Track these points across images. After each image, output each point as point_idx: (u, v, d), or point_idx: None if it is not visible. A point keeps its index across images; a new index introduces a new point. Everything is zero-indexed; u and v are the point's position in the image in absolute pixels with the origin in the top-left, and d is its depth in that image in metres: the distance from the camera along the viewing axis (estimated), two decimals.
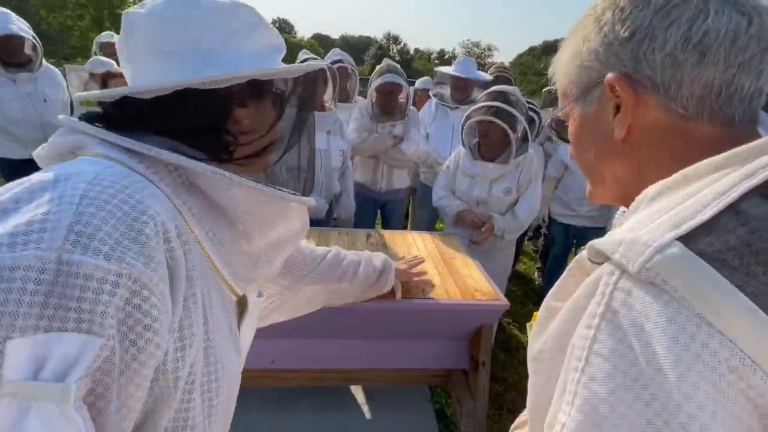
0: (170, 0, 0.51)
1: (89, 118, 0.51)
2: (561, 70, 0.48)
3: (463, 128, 2.05)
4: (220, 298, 0.53)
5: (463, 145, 2.10)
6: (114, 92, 0.49)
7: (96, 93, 0.51)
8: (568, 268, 0.42)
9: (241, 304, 0.61)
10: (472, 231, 2.07)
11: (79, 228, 0.37)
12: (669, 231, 0.31)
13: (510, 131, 1.87)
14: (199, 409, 0.47)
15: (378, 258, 1.14)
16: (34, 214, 0.37)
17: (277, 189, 0.54)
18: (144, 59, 0.51)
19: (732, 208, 0.31)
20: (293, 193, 0.57)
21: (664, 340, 0.29)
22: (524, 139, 1.97)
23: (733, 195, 0.31)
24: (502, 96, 1.92)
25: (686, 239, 0.31)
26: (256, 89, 0.53)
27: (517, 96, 1.96)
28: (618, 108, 0.41)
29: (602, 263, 0.36)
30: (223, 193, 0.50)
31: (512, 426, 0.59)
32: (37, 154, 0.51)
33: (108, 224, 0.38)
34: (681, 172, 0.36)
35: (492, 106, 1.89)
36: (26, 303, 0.34)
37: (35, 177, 0.41)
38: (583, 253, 0.40)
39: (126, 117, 0.51)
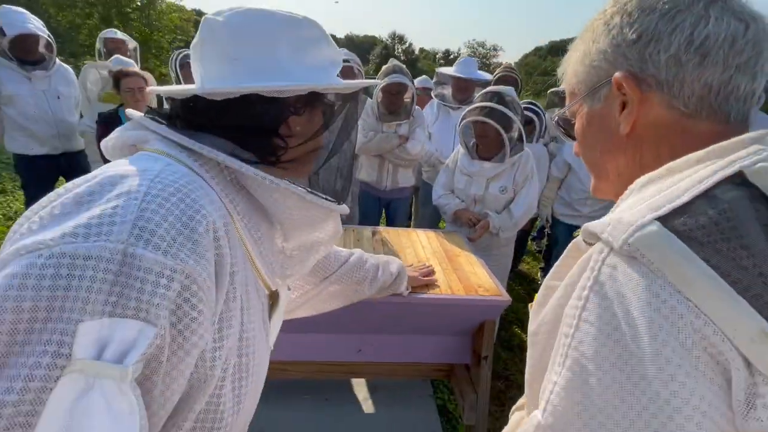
0: (246, 11, 0.55)
1: (154, 114, 0.56)
2: (570, 71, 0.51)
3: (460, 128, 2.09)
4: (255, 291, 0.57)
5: (461, 145, 2.13)
6: (188, 90, 0.54)
7: (171, 88, 0.56)
8: (566, 250, 0.46)
9: (272, 298, 0.65)
10: (468, 229, 2.10)
11: (142, 223, 0.40)
12: (650, 212, 0.35)
13: (503, 131, 1.90)
14: (230, 396, 0.50)
15: (394, 264, 1.20)
16: (104, 208, 0.41)
17: (317, 196, 0.57)
18: (215, 62, 0.55)
19: (706, 194, 0.35)
20: (331, 201, 0.60)
21: (640, 305, 0.33)
22: (519, 138, 2.00)
23: (709, 182, 0.35)
24: (497, 96, 1.95)
25: (664, 219, 0.35)
26: (312, 99, 0.57)
27: (512, 96, 1.98)
28: (624, 105, 0.45)
29: (594, 243, 0.40)
30: (268, 196, 0.54)
31: (513, 407, 0.62)
32: (104, 145, 0.56)
33: (167, 221, 0.42)
34: (666, 165, 0.40)
35: (486, 107, 1.93)
36: (96, 290, 0.37)
37: (107, 171, 0.46)
38: (579, 237, 0.44)
39: (189, 115, 0.55)
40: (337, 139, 0.65)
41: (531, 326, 0.47)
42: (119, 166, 0.47)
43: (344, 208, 0.63)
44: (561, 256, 0.46)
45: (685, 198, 0.35)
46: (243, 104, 0.52)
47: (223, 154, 0.50)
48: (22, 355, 0.36)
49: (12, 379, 0.35)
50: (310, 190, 0.58)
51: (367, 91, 3.24)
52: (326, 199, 0.59)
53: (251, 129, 0.54)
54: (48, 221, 0.41)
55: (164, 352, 0.41)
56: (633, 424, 0.31)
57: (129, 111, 0.57)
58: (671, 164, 0.39)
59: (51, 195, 0.45)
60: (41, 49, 2.57)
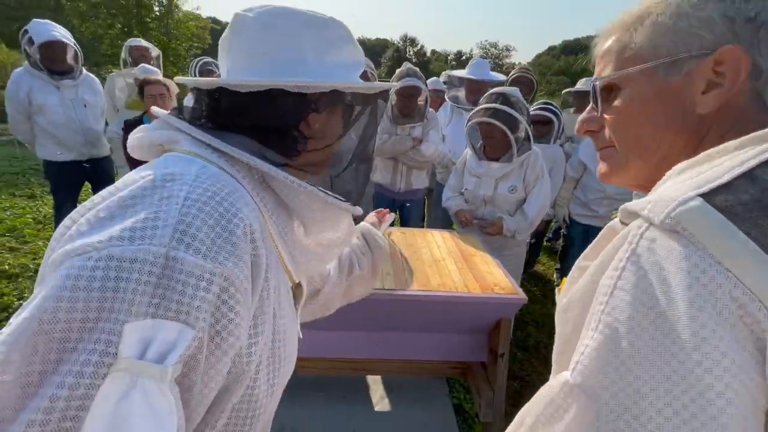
0: (275, 9, 0.57)
1: (178, 113, 0.57)
2: (641, 32, 0.46)
3: (466, 130, 2.11)
4: (285, 285, 0.59)
5: (468, 146, 2.15)
6: (214, 81, 0.55)
7: (198, 79, 0.57)
8: (600, 233, 0.46)
9: (296, 290, 0.67)
10: (480, 228, 2.12)
11: (182, 227, 0.42)
12: (692, 190, 0.36)
13: (509, 131, 1.91)
14: (264, 387, 0.53)
15: (358, 237, 1.05)
16: (148, 212, 0.42)
17: (337, 198, 0.58)
18: (243, 56, 0.56)
19: (748, 174, 0.36)
20: (349, 203, 0.61)
21: (679, 274, 0.34)
22: (527, 138, 2.01)
23: (750, 164, 0.36)
24: (502, 97, 1.97)
25: (706, 196, 0.35)
26: (333, 98, 0.58)
27: (517, 96, 2.00)
28: (709, 84, 0.42)
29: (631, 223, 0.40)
30: (293, 197, 0.56)
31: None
32: (130, 143, 0.57)
33: (206, 225, 0.43)
34: (705, 152, 0.40)
35: (490, 108, 1.95)
36: (140, 291, 0.39)
37: (147, 175, 0.47)
38: (615, 219, 0.44)
39: (213, 112, 0.56)
40: (356, 139, 0.65)
41: (561, 303, 0.48)
42: (158, 169, 0.47)
43: (358, 209, 0.64)
44: (595, 239, 0.47)
45: (727, 177, 0.36)
46: (266, 99, 0.53)
47: (253, 157, 0.52)
48: (74, 352, 0.37)
49: (65, 375, 0.37)
50: (327, 191, 0.58)
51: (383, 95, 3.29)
52: (344, 200, 0.60)
53: (273, 125, 0.55)
54: (95, 224, 0.42)
55: (202, 352, 0.42)
56: (660, 384, 0.32)
57: (154, 109, 0.59)
58: (710, 151, 0.40)
59: (95, 198, 0.47)
60: (70, 60, 2.69)
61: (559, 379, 0.40)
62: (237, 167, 0.52)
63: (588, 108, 0.54)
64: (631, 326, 0.35)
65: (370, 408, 1.88)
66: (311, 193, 0.55)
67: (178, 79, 0.62)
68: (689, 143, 0.45)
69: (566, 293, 0.47)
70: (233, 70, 0.57)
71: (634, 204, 0.40)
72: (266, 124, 0.55)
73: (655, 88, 0.45)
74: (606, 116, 0.51)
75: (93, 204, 0.46)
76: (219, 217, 0.44)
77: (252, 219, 0.48)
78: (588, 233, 2.76)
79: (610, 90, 0.50)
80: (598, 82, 0.51)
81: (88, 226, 0.43)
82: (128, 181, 0.47)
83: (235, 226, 0.45)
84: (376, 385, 2.01)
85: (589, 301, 0.41)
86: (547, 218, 3.01)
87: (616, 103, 0.49)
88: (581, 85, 3.61)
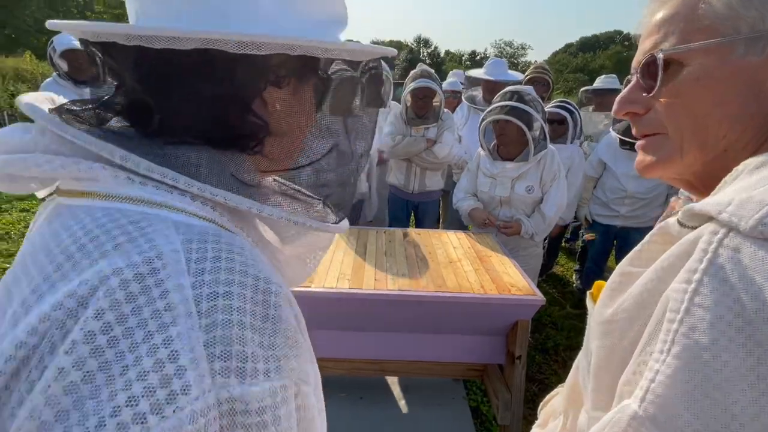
0: None
1: (62, 110, 0.36)
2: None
3: (481, 130, 2.09)
4: None
5: (482, 147, 2.13)
6: (111, 30, 0.33)
7: (83, 24, 0.35)
8: (649, 235, 0.41)
9: None
10: (499, 230, 2.10)
11: (219, 350, 0.29)
12: None
13: (525, 128, 1.89)
14: (318, 412, 0.44)
15: None
16: (151, 346, 0.27)
17: (319, 222, 0.44)
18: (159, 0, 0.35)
19: None
20: (333, 222, 0.47)
21: None
22: (542, 137, 1.98)
23: None
24: (516, 95, 1.95)
25: None
26: (301, 67, 0.39)
27: (531, 94, 1.98)
28: None
29: (695, 227, 0.36)
30: (278, 229, 0.45)
31: (543, 402, 0.61)
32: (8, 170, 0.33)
33: (246, 329, 0.30)
34: None
35: (505, 105, 1.93)
36: None
37: (105, 274, 0.29)
38: (669, 220, 0.39)
39: (119, 94, 0.37)
40: (338, 132, 0.46)
41: (602, 314, 0.42)
42: (110, 254, 0.30)
43: (343, 228, 0.48)
44: (641, 242, 0.42)
45: None
46: (197, 65, 0.34)
47: (239, 197, 0.36)
48: None
49: None
50: (309, 218, 0.43)
51: (395, 95, 3.27)
52: (329, 221, 0.47)
53: (210, 107, 0.36)
54: (78, 398, 0.26)
55: None
56: (756, 418, 0.28)
57: (27, 99, 0.36)
58: None
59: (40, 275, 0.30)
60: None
61: (623, 410, 0.34)
62: (210, 204, 0.36)
63: (631, 85, 0.46)
64: (716, 352, 0.30)
65: (387, 409, 1.89)
66: (302, 226, 0.42)
67: (51, 23, 0.37)
68: (757, 135, 0.39)
69: (609, 302, 0.42)
70: (145, 13, 0.36)
71: (704, 205, 0.34)
72: (199, 106, 0.36)
73: (730, 68, 0.39)
74: (661, 98, 0.43)
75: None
76: (254, 308, 0.31)
77: (275, 275, 0.35)
78: (609, 233, 2.70)
79: (668, 65, 0.42)
80: (661, 54, 0.41)
81: (71, 398, 0.25)
82: (83, 296, 0.28)
83: (276, 306, 0.32)
84: (393, 386, 2.01)
85: (643, 312, 0.37)
86: (563, 223, 2.96)
87: (676, 82, 0.41)
88: (600, 82, 3.54)
